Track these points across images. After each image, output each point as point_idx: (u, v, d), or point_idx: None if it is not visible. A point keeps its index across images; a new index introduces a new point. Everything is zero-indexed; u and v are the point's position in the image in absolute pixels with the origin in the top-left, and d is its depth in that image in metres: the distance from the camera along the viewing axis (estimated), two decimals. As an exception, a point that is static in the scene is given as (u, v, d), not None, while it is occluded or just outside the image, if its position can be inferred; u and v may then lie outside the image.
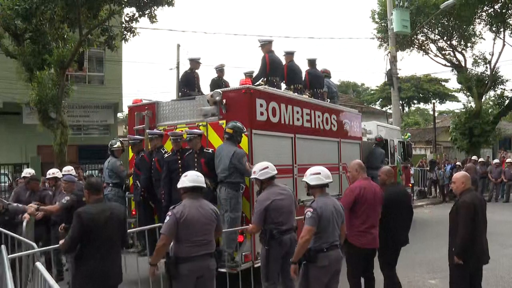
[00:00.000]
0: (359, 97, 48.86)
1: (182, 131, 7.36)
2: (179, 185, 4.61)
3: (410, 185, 15.72)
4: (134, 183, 7.83)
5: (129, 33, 14.11)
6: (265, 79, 8.16)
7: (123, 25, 14.12)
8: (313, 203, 4.66)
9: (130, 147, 8.21)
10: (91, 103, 20.66)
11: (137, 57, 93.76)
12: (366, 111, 33.09)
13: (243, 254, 6.45)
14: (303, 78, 9.25)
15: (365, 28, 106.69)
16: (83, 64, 20.80)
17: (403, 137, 14.83)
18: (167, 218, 4.45)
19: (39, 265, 4.25)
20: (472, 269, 5.09)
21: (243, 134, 6.65)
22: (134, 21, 13.93)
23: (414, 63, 78.89)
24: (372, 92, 48.60)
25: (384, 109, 40.35)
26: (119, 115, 27.26)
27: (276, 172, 5.30)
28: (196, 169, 6.08)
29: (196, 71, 8.91)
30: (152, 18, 13.55)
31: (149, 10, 13.30)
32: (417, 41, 26.11)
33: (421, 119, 50.23)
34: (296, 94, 8.52)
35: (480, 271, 5.18)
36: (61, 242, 4.63)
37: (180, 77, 8.81)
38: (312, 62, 9.75)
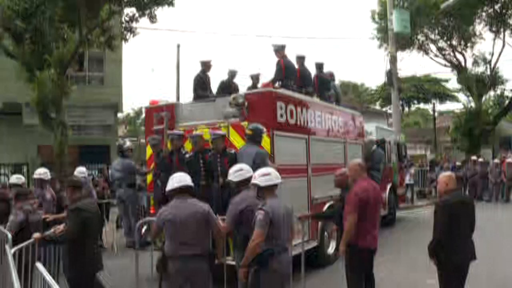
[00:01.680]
0: (359, 97, 48.80)
1: (202, 131, 7.53)
2: (168, 188, 4.60)
3: (405, 185, 15.95)
4: (154, 182, 7.92)
5: (129, 33, 14.14)
6: (280, 82, 8.41)
7: (123, 25, 14.14)
8: (264, 205, 4.48)
9: (150, 146, 8.20)
10: (91, 104, 20.66)
11: (137, 57, 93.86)
12: (366, 111, 33.12)
13: None
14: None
15: (365, 28, 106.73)
16: (83, 64, 20.79)
17: (399, 138, 15.19)
18: (155, 219, 4.58)
19: (39, 265, 4.26)
20: (458, 265, 5.12)
21: (263, 135, 6.89)
22: (134, 21, 13.96)
23: (414, 63, 78.85)
24: (372, 92, 48.54)
25: (384, 109, 40.32)
26: (119, 115, 27.27)
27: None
28: (219, 169, 6.37)
29: (208, 73, 9.09)
30: (152, 18, 13.57)
31: (149, 10, 13.32)
32: (417, 41, 26.12)
33: (421, 119, 50.18)
34: (308, 97, 8.88)
35: (464, 269, 5.17)
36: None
37: (193, 79, 8.99)
38: (320, 66, 10.17)
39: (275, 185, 4.63)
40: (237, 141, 7.26)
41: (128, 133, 41.76)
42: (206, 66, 9.06)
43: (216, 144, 7.04)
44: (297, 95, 8.32)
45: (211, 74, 9.14)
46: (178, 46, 26.20)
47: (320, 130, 8.84)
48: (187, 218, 4.45)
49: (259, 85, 9.12)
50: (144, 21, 14.03)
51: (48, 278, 3.77)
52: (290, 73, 8.69)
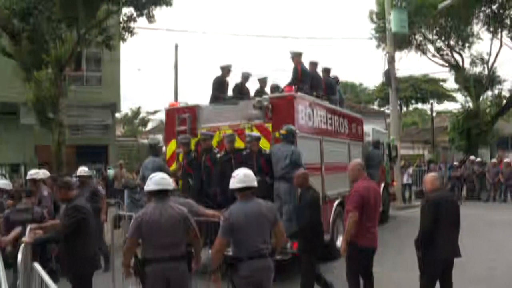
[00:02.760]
0: (357, 97, 48.84)
1: (225, 132, 8.01)
2: (146, 188, 4.55)
3: (394, 183, 16.58)
4: (185, 181, 8.13)
5: (127, 33, 14.11)
6: (296, 87, 8.74)
7: (121, 24, 14.11)
8: (226, 211, 4.46)
9: (181, 145, 8.36)
10: (89, 103, 20.60)
11: (135, 57, 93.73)
12: (365, 111, 33.13)
13: (292, 241, 6.80)
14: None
15: (363, 28, 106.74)
16: (80, 64, 20.73)
17: (390, 139, 16.16)
18: (132, 221, 4.55)
19: (37, 266, 4.24)
20: (435, 261, 5.27)
21: (296, 135, 7.52)
22: (132, 21, 13.93)
23: (412, 63, 78.97)
24: (370, 92, 48.57)
25: (382, 109, 40.33)
26: (117, 115, 27.20)
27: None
28: (256, 168, 6.65)
29: (227, 77, 9.58)
30: (150, 18, 13.54)
31: (147, 10, 13.30)
32: (415, 41, 26.14)
33: (419, 119, 50.25)
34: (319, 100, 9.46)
35: (449, 265, 5.34)
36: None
37: (212, 81, 9.47)
38: (328, 71, 10.86)
39: (246, 188, 4.42)
40: (262, 141, 7.70)
41: (126, 133, 41.66)
42: (225, 70, 9.52)
43: (251, 145, 7.47)
44: (312, 99, 8.88)
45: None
46: (176, 46, 26.18)
47: (331, 131, 9.51)
48: (165, 222, 4.36)
49: (267, 88, 9.83)
50: (142, 20, 14.05)
51: (46, 278, 3.76)
52: (305, 78, 9.38)
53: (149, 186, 4.49)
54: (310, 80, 9.56)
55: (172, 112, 8.84)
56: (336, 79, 11.43)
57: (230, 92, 9.63)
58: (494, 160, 19.71)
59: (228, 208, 4.52)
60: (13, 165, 16.69)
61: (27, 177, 7.99)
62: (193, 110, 8.61)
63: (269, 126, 7.76)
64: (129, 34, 14.11)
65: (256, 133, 7.69)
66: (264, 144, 7.67)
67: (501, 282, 7.27)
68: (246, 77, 9.89)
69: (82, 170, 8.42)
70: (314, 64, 10.07)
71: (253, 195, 4.50)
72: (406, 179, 18.44)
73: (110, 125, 22.11)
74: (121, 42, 15.00)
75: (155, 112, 51.77)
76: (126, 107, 50.85)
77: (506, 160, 18.79)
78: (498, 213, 14.95)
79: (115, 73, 21.53)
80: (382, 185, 13.10)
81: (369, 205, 5.41)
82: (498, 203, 17.62)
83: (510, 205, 17.12)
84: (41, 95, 13.14)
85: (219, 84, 9.39)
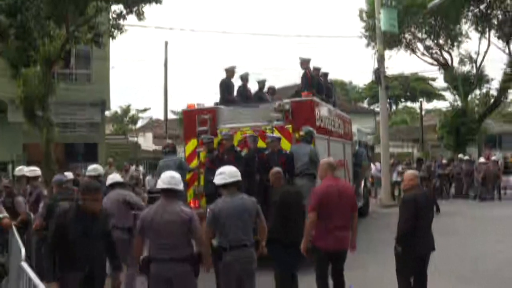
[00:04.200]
0: (347, 95, 49.02)
1: (246, 133, 8.67)
2: (157, 186, 4.71)
3: (371, 179, 18.07)
4: (208, 178, 8.37)
5: (116, 30, 14.01)
6: (306, 91, 9.52)
7: (111, 22, 14.02)
8: (211, 204, 4.81)
9: (204, 145, 8.85)
10: (78, 101, 20.44)
11: (124, 55, 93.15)
12: (354, 109, 33.29)
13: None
14: None
15: (353, 26, 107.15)
16: (69, 61, 20.54)
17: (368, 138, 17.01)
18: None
19: (24, 265, 4.21)
20: (418, 256, 5.39)
21: (314, 136, 8.43)
22: (121, 18, 13.84)
23: (402, 62, 79.41)
24: (360, 90, 48.83)
25: (371, 107, 40.59)
26: (107, 113, 27.03)
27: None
28: (276, 165, 6.85)
29: (232, 79, 10.18)
30: (140, 15, 13.47)
31: (136, 7, 13.22)
32: (404, 40, 26.28)
33: (408, 118, 50.53)
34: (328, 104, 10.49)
35: (425, 259, 5.46)
36: None
37: (219, 83, 10.08)
38: (326, 75, 11.56)
39: (232, 183, 4.73)
40: (282, 141, 8.39)
41: (116, 131, 41.43)
42: (230, 72, 10.13)
43: (273, 145, 8.13)
44: (324, 103, 9.87)
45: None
46: (166, 43, 26.11)
47: (334, 132, 10.50)
48: (165, 222, 4.39)
49: (265, 89, 10.69)
50: (132, 18, 13.96)
51: (33, 277, 3.73)
52: (314, 83, 10.18)
53: (158, 183, 4.62)
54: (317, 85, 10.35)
55: (192, 113, 9.36)
56: (331, 83, 12.07)
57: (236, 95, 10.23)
58: (482, 158, 19.89)
59: (215, 202, 4.84)
60: (1, 164, 16.50)
61: (18, 173, 8.19)
62: (213, 112, 9.20)
63: (289, 127, 8.55)
64: (119, 32, 14.01)
65: (276, 134, 8.40)
66: (285, 144, 8.38)
67: (486, 279, 7.33)
68: (246, 78, 10.44)
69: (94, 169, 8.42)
70: (317, 70, 10.82)
71: (238, 191, 4.82)
72: (395, 177, 18.53)
73: (100, 123, 21.96)
74: (110, 40, 14.86)
75: (145, 110, 51.62)
76: (115, 105, 50.48)
77: (493, 158, 18.99)
78: (486, 210, 15.12)
79: (104, 71, 21.38)
80: (362, 182, 13.95)
81: (329, 205, 5.25)
82: (487, 200, 17.74)
83: (498, 202, 17.33)
84: (29, 92, 13.01)
85: (226, 86, 10.02)
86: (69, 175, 8.39)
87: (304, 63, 10.33)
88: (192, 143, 9.24)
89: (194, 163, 9.11)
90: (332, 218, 5.28)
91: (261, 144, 8.50)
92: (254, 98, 10.36)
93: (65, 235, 4.25)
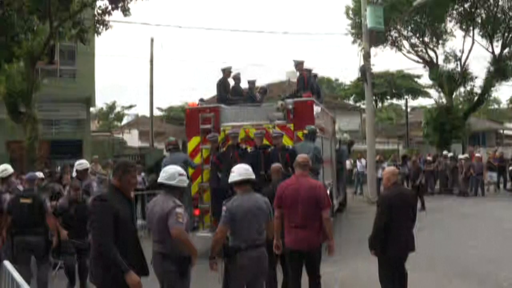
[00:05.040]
0: (332, 92, 49.21)
1: (248, 130, 9.20)
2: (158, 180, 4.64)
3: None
4: (214, 173, 9.05)
5: (101, 26, 13.86)
6: (302, 92, 10.08)
7: (96, 18, 13.86)
8: (227, 202, 4.75)
9: (209, 142, 9.32)
10: (63, 98, 20.21)
11: (110, 51, 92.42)
12: (340, 106, 33.43)
13: None
14: None
15: (339, 24, 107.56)
16: (54, 57, 20.28)
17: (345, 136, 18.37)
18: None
19: (7, 264, 4.16)
20: (392, 257, 5.28)
21: (316, 134, 9.09)
22: (107, 14, 13.68)
23: (388, 59, 79.89)
24: (346, 87, 49.00)
25: (357, 104, 40.77)
26: (92, 109, 26.78)
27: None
28: (280, 161, 7.45)
29: (228, 79, 10.70)
30: (125, 11, 13.35)
31: (122, 3, 13.09)
32: (390, 38, 26.45)
33: (394, 115, 50.91)
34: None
35: (400, 261, 5.34)
36: None
37: (216, 83, 10.57)
38: (315, 76, 12.16)
39: (245, 181, 4.69)
40: (284, 138, 8.87)
41: (101, 128, 41.11)
42: (226, 72, 10.66)
43: (277, 141, 8.63)
44: (318, 103, 10.31)
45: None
46: (152, 40, 25.83)
47: (324, 130, 11.10)
48: (156, 216, 4.38)
49: (258, 89, 11.30)
50: (117, 14, 13.82)
51: (16, 276, 3.69)
52: (309, 84, 10.64)
53: (163, 177, 4.53)
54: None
55: (195, 112, 9.74)
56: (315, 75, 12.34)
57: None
58: (466, 155, 20.14)
59: (230, 200, 4.79)
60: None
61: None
62: (215, 110, 9.61)
63: (291, 126, 9.10)
64: (104, 28, 13.85)
65: (280, 131, 8.86)
66: (287, 142, 8.88)
67: (468, 274, 7.43)
68: (238, 78, 11.00)
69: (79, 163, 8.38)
70: (309, 71, 11.18)
71: (252, 189, 4.77)
72: (380, 174, 18.65)
73: (85, 119, 21.76)
74: (95, 36, 14.71)
75: (131, 106, 51.29)
76: (101, 101, 50.07)
77: (477, 155, 19.24)
78: (469, 206, 15.34)
79: (90, 67, 21.17)
80: (344, 178, 14.94)
81: (286, 204, 5.21)
82: (471, 196, 17.99)
83: (481, 198, 17.58)
84: (12, 88, 12.83)
85: (223, 86, 10.53)
86: (39, 174, 8.51)
87: (299, 65, 10.76)
88: (195, 140, 9.62)
89: (197, 159, 9.51)
90: (290, 216, 5.24)
91: (264, 141, 9.00)
92: (246, 97, 10.75)
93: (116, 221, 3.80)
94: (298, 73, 10.95)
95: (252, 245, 4.57)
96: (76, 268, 6.68)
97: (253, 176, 4.76)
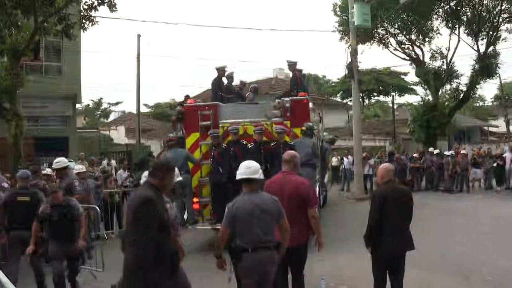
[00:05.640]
0: (320, 89, 49.34)
1: (246, 128, 9.58)
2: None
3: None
4: (215, 168, 9.39)
5: (87, 22, 13.70)
6: (295, 91, 10.65)
7: (82, 13, 13.69)
8: (230, 202, 4.58)
9: (211, 138, 9.63)
10: (49, 94, 19.96)
11: (96, 47, 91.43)
12: (327, 103, 33.55)
13: None
14: None
15: (326, 21, 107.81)
16: (39, 53, 20.01)
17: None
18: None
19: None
20: (385, 256, 5.20)
21: (314, 131, 9.77)
22: (93, 10, 13.52)
23: (374, 56, 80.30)
24: (333, 84, 49.16)
25: (344, 101, 40.95)
26: (78, 106, 26.52)
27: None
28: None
29: (223, 78, 11.12)
30: (112, 7, 13.21)
31: (108, -2, 12.95)
32: (377, 35, 26.57)
33: (380, 111, 51.24)
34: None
35: (394, 260, 5.24)
36: None
37: (212, 82, 11.05)
38: (304, 76, 12.37)
39: (251, 180, 4.50)
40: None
41: (87, 125, 40.73)
42: (221, 72, 11.04)
43: (280, 136, 9.19)
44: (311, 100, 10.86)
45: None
46: (139, 36, 25.58)
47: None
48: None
49: (234, 83, 11.65)
50: (104, 10, 13.65)
51: (1, 276, 3.64)
52: (301, 83, 11.18)
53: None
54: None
55: (193, 109, 10.04)
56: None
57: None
58: (452, 151, 20.35)
59: (233, 200, 4.60)
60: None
61: None
62: (214, 107, 9.95)
63: (287, 123, 9.55)
64: (90, 23, 13.69)
65: (283, 127, 9.34)
66: (285, 138, 9.34)
67: (451, 270, 7.53)
68: (231, 77, 11.45)
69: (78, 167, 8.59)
70: (300, 71, 11.54)
71: (257, 189, 4.57)
72: (367, 170, 18.81)
73: (71, 116, 21.54)
74: (81, 32, 14.53)
75: (117, 103, 50.91)
76: (87, 98, 49.67)
77: (462, 151, 19.44)
78: (454, 202, 15.52)
79: (76, 63, 20.94)
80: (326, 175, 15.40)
81: None
82: (456, 193, 18.19)
83: (466, 194, 17.79)
84: (-4, 84, 12.62)
85: (218, 85, 10.95)
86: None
87: (292, 65, 11.26)
88: (194, 136, 9.94)
89: (196, 154, 9.82)
90: None
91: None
92: (237, 95, 11.31)
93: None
94: (291, 73, 11.52)
95: (256, 247, 4.39)
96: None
97: (254, 175, 4.51)
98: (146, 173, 4.52)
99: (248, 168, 4.54)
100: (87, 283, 7.17)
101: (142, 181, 4.63)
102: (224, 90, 11.02)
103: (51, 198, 6.39)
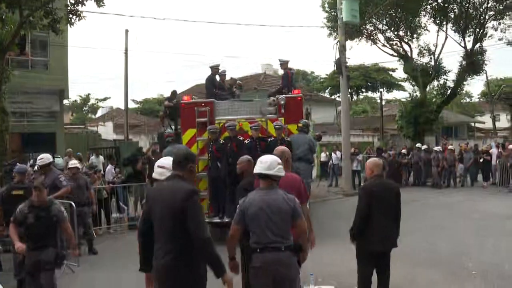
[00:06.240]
0: (308, 85, 49.44)
1: (241, 124, 9.81)
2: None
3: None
4: (213, 163, 9.64)
5: (74, 17, 13.53)
6: (287, 89, 11.08)
7: (68, 7, 13.52)
8: (241, 199, 4.36)
9: (209, 134, 9.78)
10: (35, 89, 19.70)
11: (83, 42, 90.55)
12: (316, 99, 33.61)
13: None
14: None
15: (315, 17, 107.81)
16: (25, 48, 19.73)
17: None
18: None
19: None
20: (372, 252, 5.16)
21: (310, 127, 10.09)
22: (80, 4, 13.36)
23: (363, 53, 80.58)
24: (321, 80, 49.29)
25: (333, 97, 41.07)
26: (65, 102, 26.24)
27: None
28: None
29: (216, 76, 11.38)
30: (99, 2, 13.07)
31: (95, -8, 12.79)
32: (365, 31, 26.68)
33: (369, 107, 51.51)
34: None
35: (380, 256, 5.20)
36: None
37: (206, 79, 11.42)
38: (293, 74, 12.50)
39: (266, 176, 4.23)
40: (273, 132, 9.64)
41: (75, 120, 40.39)
42: (214, 70, 11.36)
43: (279, 132, 9.43)
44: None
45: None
46: (127, 31, 25.39)
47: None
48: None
49: (227, 78, 12.14)
50: (91, 4, 13.50)
51: None
52: (292, 81, 11.65)
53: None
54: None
55: (190, 105, 10.27)
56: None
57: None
58: (439, 147, 20.53)
59: (245, 197, 4.34)
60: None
61: None
62: (210, 104, 10.20)
63: (282, 120, 9.81)
64: (77, 18, 13.52)
65: (281, 123, 9.59)
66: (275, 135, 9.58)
67: (440, 263, 7.62)
68: (224, 74, 11.77)
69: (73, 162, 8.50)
70: (290, 70, 11.83)
71: (274, 186, 4.25)
72: (355, 166, 18.92)
73: (58, 112, 21.30)
74: (68, 26, 14.34)
75: (105, 99, 50.56)
76: (74, 93, 49.19)
77: (450, 147, 19.64)
78: (441, 197, 15.68)
79: (63, 58, 20.69)
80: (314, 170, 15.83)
81: None
82: (444, 188, 18.39)
83: (453, 189, 18.00)
84: (-20, 79, 12.42)
85: (212, 83, 11.27)
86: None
87: (284, 64, 11.62)
88: (190, 132, 10.17)
89: (193, 149, 9.79)
90: None
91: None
92: (228, 92, 11.79)
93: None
94: (279, 69, 11.80)
95: (267, 248, 4.11)
96: None
97: (268, 171, 4.21)
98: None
99: (263, 163, 4.26)
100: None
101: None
102: (217, 87, 11.28)
103: (33, 196, 5.63)
